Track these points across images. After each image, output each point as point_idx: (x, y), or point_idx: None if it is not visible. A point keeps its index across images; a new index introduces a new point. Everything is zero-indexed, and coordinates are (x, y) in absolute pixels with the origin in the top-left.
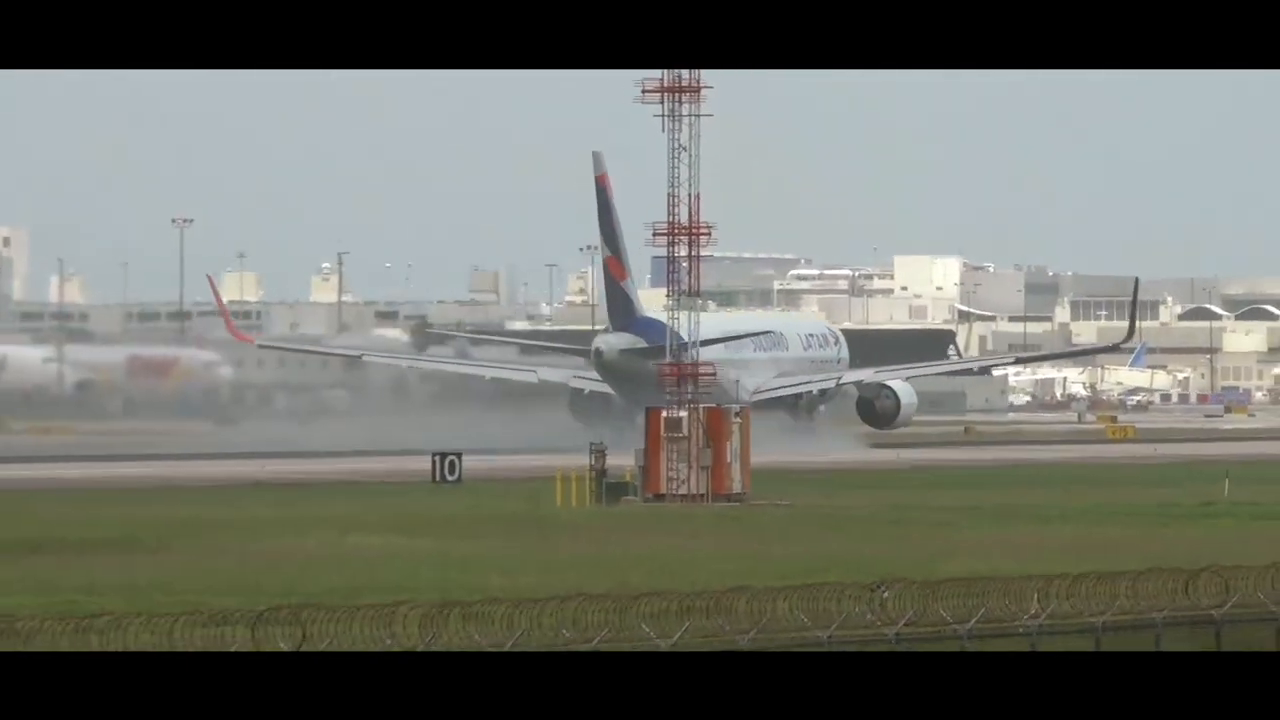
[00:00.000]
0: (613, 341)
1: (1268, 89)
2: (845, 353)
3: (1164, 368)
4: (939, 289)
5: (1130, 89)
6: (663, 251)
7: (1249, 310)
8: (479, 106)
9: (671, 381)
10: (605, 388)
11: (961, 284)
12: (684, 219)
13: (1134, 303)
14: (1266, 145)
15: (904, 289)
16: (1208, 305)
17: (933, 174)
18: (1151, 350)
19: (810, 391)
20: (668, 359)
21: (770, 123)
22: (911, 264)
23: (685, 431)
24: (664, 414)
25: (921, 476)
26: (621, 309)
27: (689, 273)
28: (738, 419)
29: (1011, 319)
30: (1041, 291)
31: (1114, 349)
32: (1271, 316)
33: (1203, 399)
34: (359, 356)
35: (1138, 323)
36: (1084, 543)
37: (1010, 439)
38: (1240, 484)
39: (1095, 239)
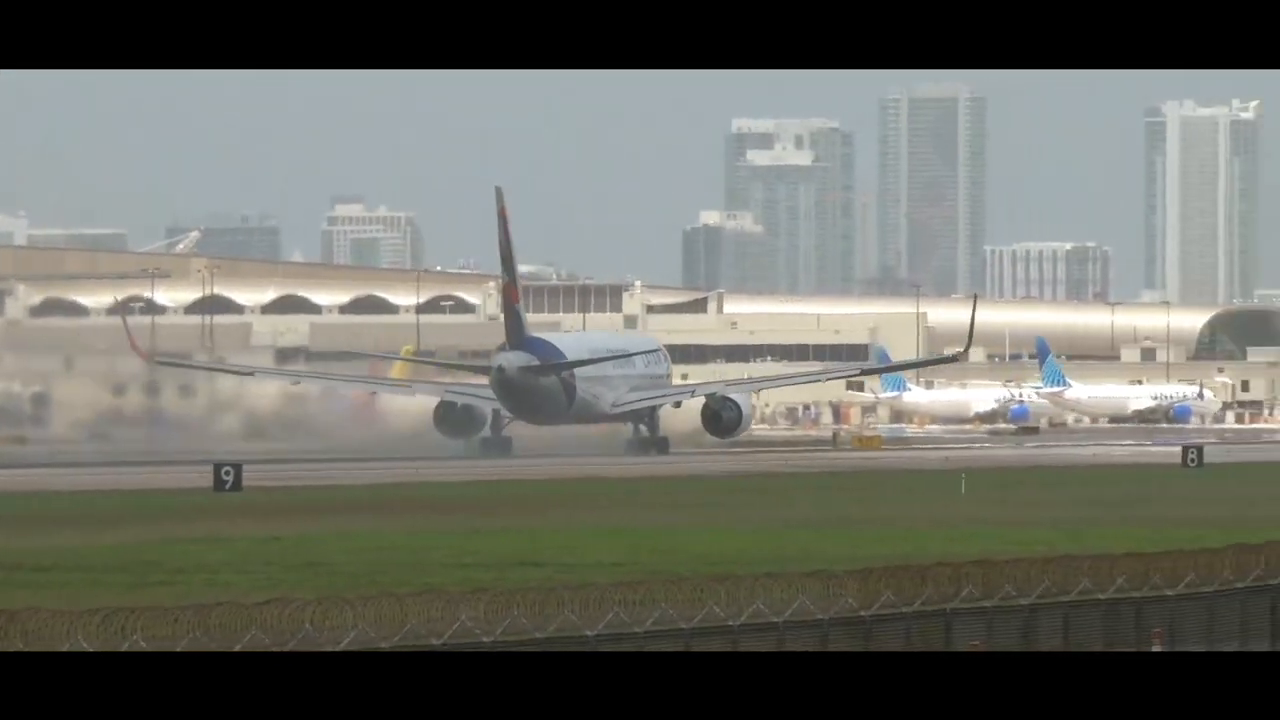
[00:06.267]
0: (513, 359)
1: None
2: (670, 368)
3: None
4: None
5: None
6: None
7: None
8: None
9: None
10: (478, 401)
11: None
12: None
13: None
14: None
15: None
16: None
17: None
18: None
19: (669, 404)
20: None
21: None
22: None
23: None
24: None
25: None
26: (516, 329)
27: None
28: None
29: None
30: None
31: (951, 360)
32: None
33: None
34: (251, 373)
35: None
36: None
37: None
38: None
39: None
